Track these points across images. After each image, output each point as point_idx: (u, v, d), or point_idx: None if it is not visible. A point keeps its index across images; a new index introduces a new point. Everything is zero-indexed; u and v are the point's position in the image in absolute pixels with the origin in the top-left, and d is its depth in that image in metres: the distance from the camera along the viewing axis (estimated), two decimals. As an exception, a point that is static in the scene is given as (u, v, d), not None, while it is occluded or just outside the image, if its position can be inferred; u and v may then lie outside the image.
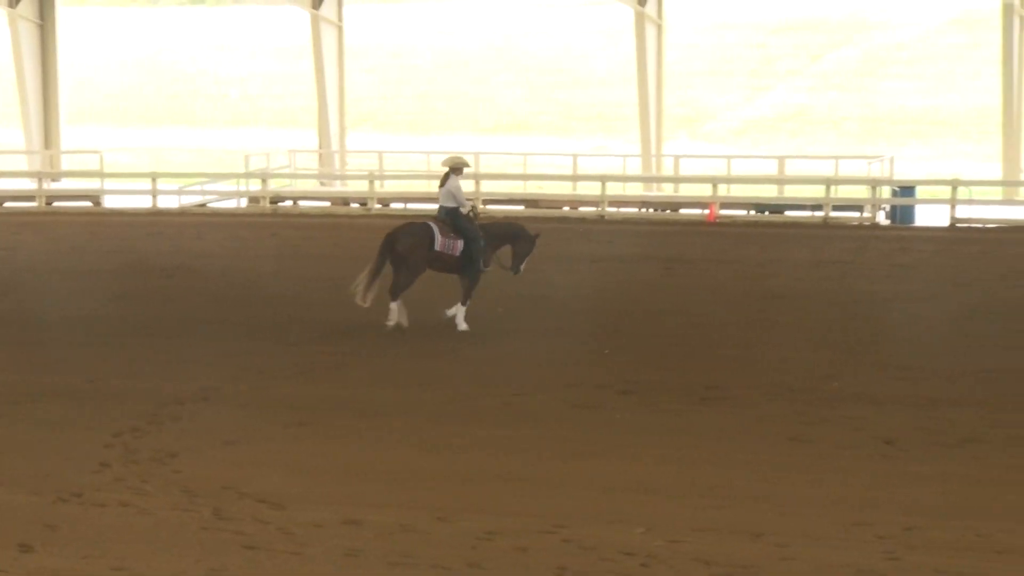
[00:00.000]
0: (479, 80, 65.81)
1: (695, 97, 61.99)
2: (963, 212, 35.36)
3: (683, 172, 41.55)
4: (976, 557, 7.97)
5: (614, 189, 38.02)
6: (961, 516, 8.72)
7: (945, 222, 34.84)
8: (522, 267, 17.58)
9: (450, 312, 16.88)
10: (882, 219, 36.17)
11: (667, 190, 40.15)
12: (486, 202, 36.29)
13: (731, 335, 16.48)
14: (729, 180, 39.58)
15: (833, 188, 36.71)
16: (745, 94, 64.87)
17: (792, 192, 38.68)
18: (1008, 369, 14.08)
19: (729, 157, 42.58)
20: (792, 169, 41.80)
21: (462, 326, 16.56)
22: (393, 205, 37.68)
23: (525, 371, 13.91)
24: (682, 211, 37.28)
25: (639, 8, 40.90)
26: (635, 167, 42.82)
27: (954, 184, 36.57)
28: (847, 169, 41.17)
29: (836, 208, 36.10)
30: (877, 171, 39.52)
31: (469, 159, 19.31)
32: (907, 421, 11.46)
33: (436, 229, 16.87)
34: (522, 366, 14.24)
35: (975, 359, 14.77)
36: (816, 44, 66.66)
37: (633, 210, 37.26)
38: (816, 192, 36.98)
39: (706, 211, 36.14)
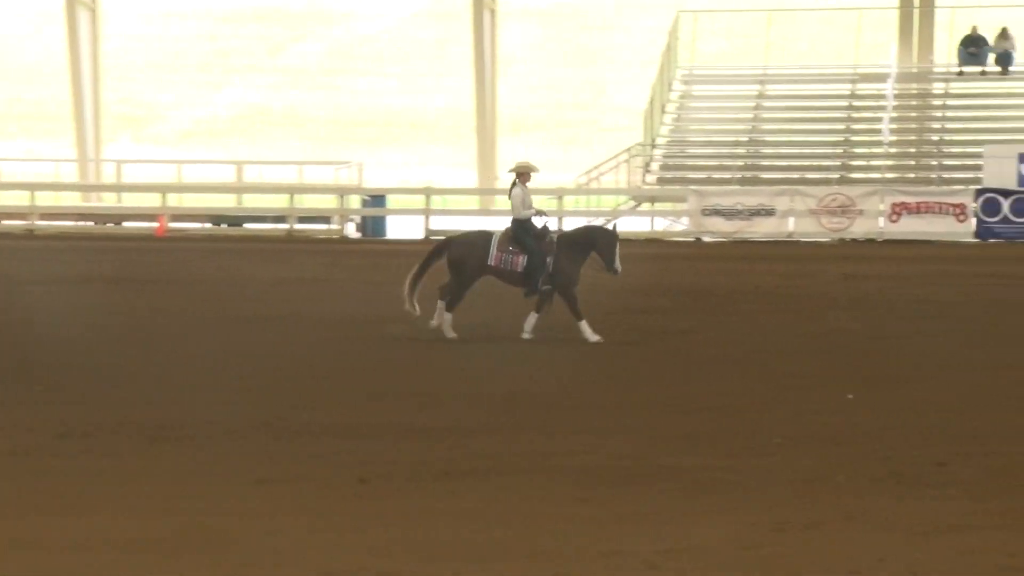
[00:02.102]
0: None
1: (139, 94, 61.23)
2: (438, 223, 36.66)
3: (127, 180, 40.96)
4: (458, 600, 8.25)
5: (45, 199, 36.95)
6: (438, 558, 9.00)
7: (420, 234, 35.99)
8: (617, 264, 17.90)
9: (591, 337, 17.76)
10: (352, 231, 36.99)
11: (109, 200, 39.45)
12: None
13: (195, 364, 16.38)
14: (181, 189, 39.38)
15: (298, 198, 37.17)
16: (196, 91, 64.67)
17: (252, 202, 38.86)
18: (487, 393, 14.71)
19: (180, 163, 42.38)
20: (252, 176, 42.03)
21: (592, 338, 17.78)
22: None
23: (-60, 416, 13.26)
24: (127, 224, 36.72)
25: (68, -10, 40.08)
26: (70, 174, 41.79)
27: (427, 192, 37.88)
28: (313, 176, 41.84)
29: (302, 220, 36.57)
30: (345, 178, 40.40)
31: None
32: (383, 454, 11.73)
33: (495, 242, 17.72)
34: (-64, 410, 13.58)
35: (452, 383, 15.35)
36: (275, 36, 67.44)
37: (69, 223, 36.36)
38: (279, 202, 37.31)
39: (155, 224, 35.74)
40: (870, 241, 37.45)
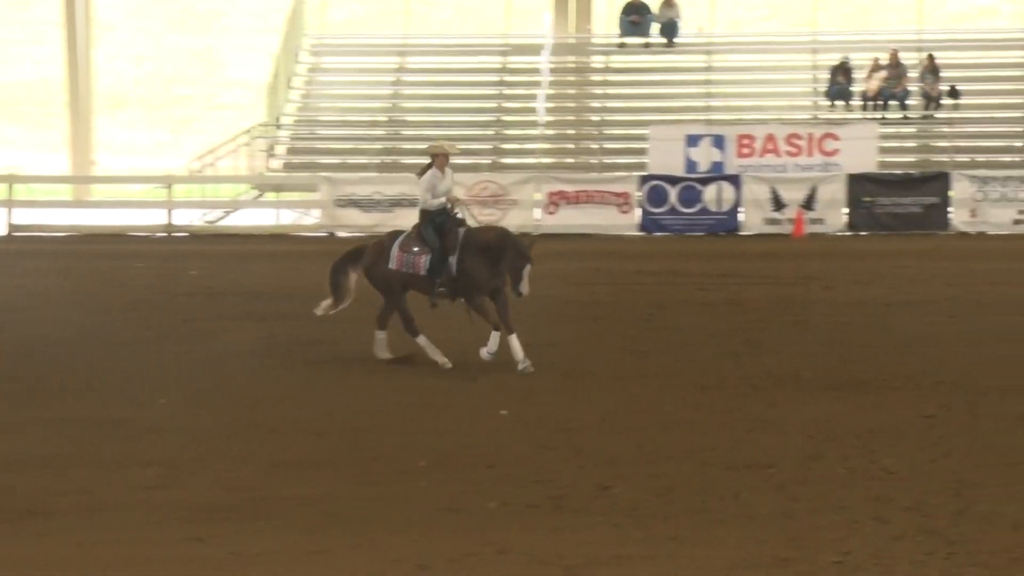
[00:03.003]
0: None
1: None
2: (23, 217, 35.88)
3: None
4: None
5: None
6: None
7: (1, 230, 35.18)
8: (523, 287, 16.86)
9: (484, 352, 17.06)
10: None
11: None
12: None
13: None
14: None
15: None
16: None
17: None
18: (78, 418, 14.41)
19: None
20: None
21: (484, 355, 17.00)
22: None
23: None
24: None
25: None
26: None
27: (10, 181, 36.98)
28: None
29: None
30: (-92, 164, 39.08)
31: None
32: (-47, 493, 11.40)
33: (398, 242, 16.97)
34: None
35: (34, 408, 14.99)
36: None
37: None
38: None
39: None
40: (525, 235, 38.01)
